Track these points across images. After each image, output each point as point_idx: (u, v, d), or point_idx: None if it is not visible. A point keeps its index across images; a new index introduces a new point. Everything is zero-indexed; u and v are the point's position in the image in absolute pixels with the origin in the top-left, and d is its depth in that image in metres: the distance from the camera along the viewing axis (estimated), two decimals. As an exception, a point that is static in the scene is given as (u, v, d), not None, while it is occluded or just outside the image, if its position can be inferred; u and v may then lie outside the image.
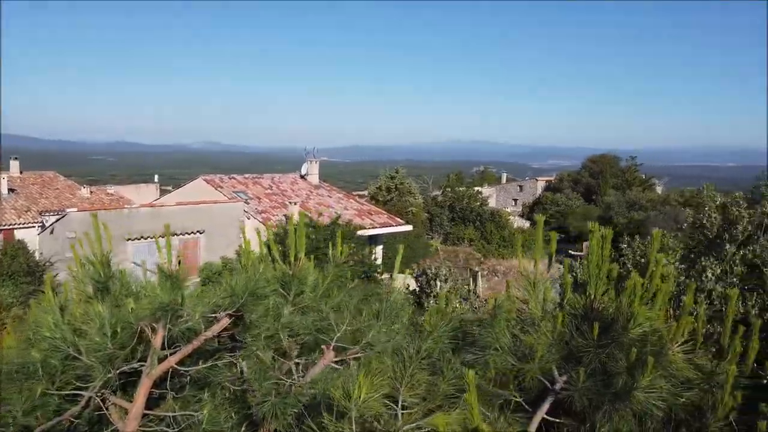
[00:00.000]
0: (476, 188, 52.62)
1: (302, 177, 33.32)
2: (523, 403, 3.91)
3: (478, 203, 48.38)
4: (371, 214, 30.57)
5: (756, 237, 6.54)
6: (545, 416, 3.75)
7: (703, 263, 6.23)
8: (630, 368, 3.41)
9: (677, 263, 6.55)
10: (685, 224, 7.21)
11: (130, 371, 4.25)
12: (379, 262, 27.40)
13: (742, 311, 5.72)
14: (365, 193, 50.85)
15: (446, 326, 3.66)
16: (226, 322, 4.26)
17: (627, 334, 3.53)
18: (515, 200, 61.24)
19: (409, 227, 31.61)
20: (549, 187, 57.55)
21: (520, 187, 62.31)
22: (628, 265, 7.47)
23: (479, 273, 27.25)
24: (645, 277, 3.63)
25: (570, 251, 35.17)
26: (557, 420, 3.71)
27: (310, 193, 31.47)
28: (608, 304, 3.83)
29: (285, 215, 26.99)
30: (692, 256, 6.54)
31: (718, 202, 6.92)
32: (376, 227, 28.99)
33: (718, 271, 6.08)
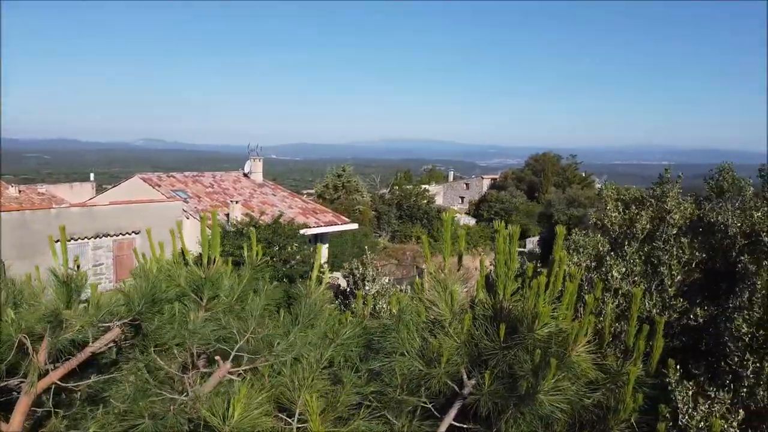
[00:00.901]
0: (424, 186, 52.96)
1: (245, 175, 32.57)
2: (432, 409, 3.78)
3: (426, 201, 48.70)
4: (316, 213, 30.19)
5: (658, 234, 6.68)
6: (453, 422, 3.64)
7: (609, 262, 6.32)
8: (534, 370, 3.33)
9: (589, 261, 6.66)
10: (590, 223, 7.31)
11: (15, 388, 3.88)
12: (325, 260, 27.08)
13: (647, 310, 5.82)
14: (312, 191, 50.33)
15: (351, 332, 3.50)
16: (116, 332, 3.95)
17: (532, 335, 3.45)
18: (462, 198, 62.02)
19: (355, 225, 31.39)
20: (494, 185, 58.56)
21: (467, 185, 63.14)
22: None
23: (425, 270, 27.27)
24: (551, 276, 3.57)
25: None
26: (464, 426, 3.59)
27: (254, 191, 30.80)
28: (517, 305, 3.75)
29: (226, 214, 26.30)
30: (600, 254, 6.64)
31: (619, 200, 7.06)
32: (321, 226, 28.64)
33: (623, 269, 6.18)
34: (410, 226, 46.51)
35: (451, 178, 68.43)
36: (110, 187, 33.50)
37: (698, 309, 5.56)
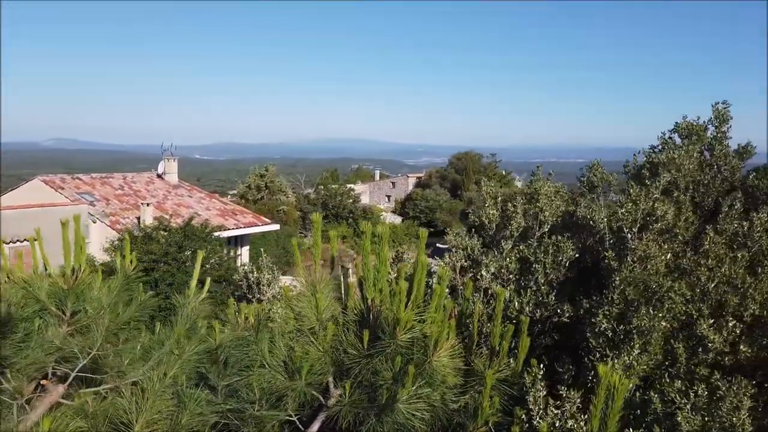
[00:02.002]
0: (349, 185, 52.81)
1: (159, 176, 31.14)
2: (298, 423, 3.59)
3: (351, 200, 48.59)
4: (235, 214, 29.31)
5: (532, 232, 6.83)
6: (317, 435, 3.46)
7: (485, 261, 6.40)
8: (395, 378, 3.21)
9: (464, 261, 6.73)
10: (467, 221, 7.38)
11: None
12: (245, 263, 26.29)
13: (517, 309, 5.92)
14: (235, 192, 48.97)
15: (197, 348, 3.24)
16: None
17: (395, 341, 3.32)
18: (388, 196, 62.39)
19: (277, 226, 30.73)
20: (419, 184, 59.30)
21: (393, 183, 63.59)
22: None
23: (350, 270, 27.09)
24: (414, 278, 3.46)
25: (438, 244, 36.29)
26: (327, 439, 3.43)
27: (168, 193, 29.49)
28: (384, 310, 3.62)
29: (137, 218, 25.01)
30: (475, 254, 6.73)
31: (499, 198, 7.18)
32: (241, 227, 27.83)
33: (492, 269, 6.28)
34: (336, 225, 46.22)
35: (377, 177, 68.69)
36: (9, 190, 31.08)
37: (566, 306, 5.69)
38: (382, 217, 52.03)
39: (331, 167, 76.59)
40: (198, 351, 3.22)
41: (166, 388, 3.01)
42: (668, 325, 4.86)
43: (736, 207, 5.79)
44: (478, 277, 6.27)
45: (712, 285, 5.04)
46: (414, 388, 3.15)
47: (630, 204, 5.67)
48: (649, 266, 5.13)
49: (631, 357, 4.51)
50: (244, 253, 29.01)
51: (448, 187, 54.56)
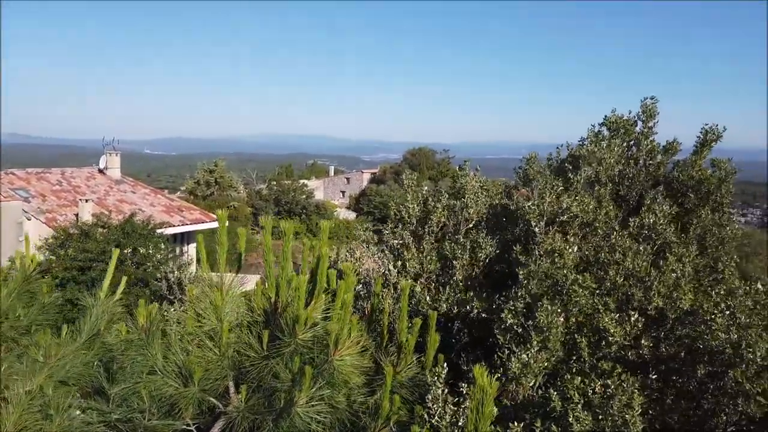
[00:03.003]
0: (303, 181, 52.23)
1: (101, 171, 29.95)
2: (196, 431, 3.37)
3: (305, 196, 48.05)
4: (182, 211, 28.47)
5: (454, 226, 6.79)
6: (213, 443, 3.26)
7: (407, 256, 6.33)
8: (294, 380, 3.04)
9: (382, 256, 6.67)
10: (391, 215, 7.30)
11: None
12: (192, 260, 25.54)
13: (429, 303, 5.86)
14: (183, 188, 47.69)
15: (87, 354, 2.99)
16: None
17: (295, 340, 3.15)
18: (343, 192, 62.06)
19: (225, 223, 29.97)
20: (374, 179, 59.20)
21: (348, 179, 63.28)
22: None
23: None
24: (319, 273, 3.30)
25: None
26: (223, 447, 3.23)
27: (110, 188, 28.38)
28: (288, 309, 3.44)
29: (75, 214, 23.96)
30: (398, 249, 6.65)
31: (423, 193, 7.12)
32: (187, 224, 27.04)
33: (399, 264, 6.22)
34: (290, 221, 45.63)
35: (332, 172, 68.26)
36: (-63, 186, 29.30)
37: (475, 302, 5.65)
38: (336, 212, 51.71)
39: (285, 163, 75.64)
40: (91, 356, 2.97)
41: (33, 399, 2.75)
42: (574, 320, 4.88)
43: (658, 201, 5.87)
44: (386, 272, 6.17)
45: (621, 279, 5.09)
46: (314, 390, 2.98)
47: (537, 198, 5.67)
48: (556, 260, 5.13)
49: (528, 354, 4.48)
50: (191, 251, 28.25)
51: (402, 183, 54.70)
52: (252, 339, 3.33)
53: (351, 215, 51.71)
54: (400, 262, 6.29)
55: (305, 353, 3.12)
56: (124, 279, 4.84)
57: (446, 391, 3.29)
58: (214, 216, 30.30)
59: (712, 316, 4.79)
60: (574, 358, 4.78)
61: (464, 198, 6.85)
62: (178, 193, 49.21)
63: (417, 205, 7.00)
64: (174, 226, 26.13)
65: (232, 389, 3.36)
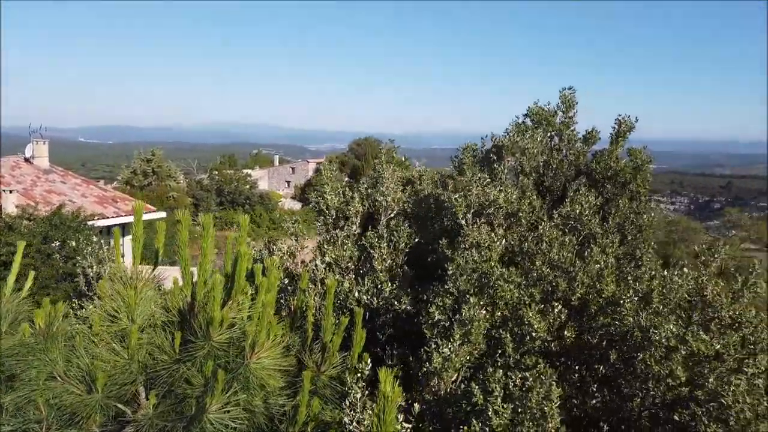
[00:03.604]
0: (246, 171, 51.13)
1: (27, 160, 28.26)
2: (103, 440, 3.14)
3: (248, 186, 47.09)
4: (116, 202, 27.25)
5: (377, 218, 6.75)
6: (121, 453, 3.05)
7: (326, 248, 6.24)
8: (207, 385, 2.87)
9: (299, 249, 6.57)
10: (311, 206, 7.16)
11: None
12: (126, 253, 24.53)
13: (356, 298, 5.80)
14: (120, 178, 45.79)
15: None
16: None
17: (209, 343, 2.97)
18: (288, 182, 61.18)
19: (163, 214, 28.91)
20: (319, 169, 58.67)
21: (293, 169, 62.42)
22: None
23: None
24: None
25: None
26: (130, 457, 3.02)
27: (37, 179, 26.82)
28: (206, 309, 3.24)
29: (-2, 206, 22.51)
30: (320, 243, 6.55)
31: (341, 185, 7.04)
32: (121, 216, 25.91)
33: (327, 258, 6.15)
34: (232, 212, 44.64)
35: (276, 162, 67.12)
36: None
37: (403, 297, 5.61)
38: (281, 203, 50.99)
39: (228, 152, 73.81)
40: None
41: None
42: (500, 313, 4.89)
43: (581, 191, 5.98)
44: (314, 267, 6.04)
45: (547, 269, 5.15)
46: (227, 395, 2.81)
47: (462, 190, 5.67)
48: (482, 253, 5.13)
49: (451, 348, 4.46)
50: (128, 244, 27.13)
51: (348, 173, 54.41)
52: (166, 341, 3.12)
53: (296, 205, 51.12)
54: (320, 255, 6.15)
55: (220, 356, 2.95)
56: (32, 274, 4.47)
57: (365, 393, 3.18)
58: (152, 207, 29.21)
59: (622, 301, 4.93)
60: (499, 352, 4.80)
61: (383, 186, 6.75)
62: (115, 183, 47.16)
63: (335, 196, 6.86)
64: (107, 217, 24.99)
65: (142, 395, 3.14)
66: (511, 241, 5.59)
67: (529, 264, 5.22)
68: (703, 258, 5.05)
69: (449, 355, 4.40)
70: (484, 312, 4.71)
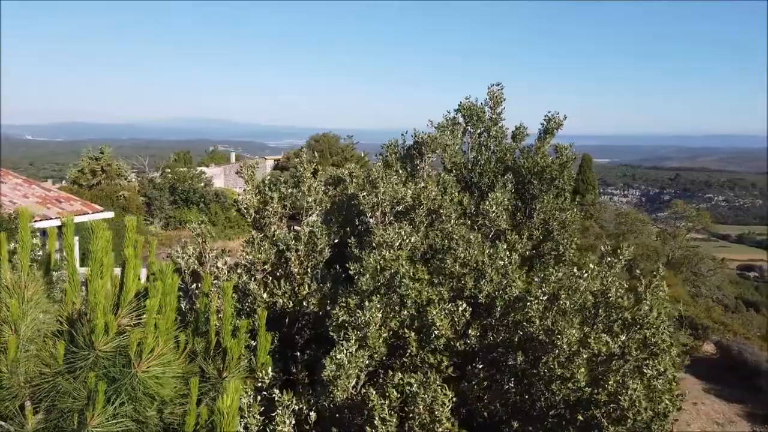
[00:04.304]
0: (200, 168, 50.06)
1: (-37, 160, 26.92)
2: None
3: (202, 184, 46.11)
4: (60, 202, 26.21)
5: (298, 217, 6.68)
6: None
7: (247, 249, 6.15)
8: (89, 398, 2.72)
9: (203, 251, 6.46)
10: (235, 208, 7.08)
11: None
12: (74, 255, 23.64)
13: (266, 300, 5.71)
14: (66, 177, 44.17)
15: None
16: None
17: (94, 351, 2.82)
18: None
19: (111, 214, 27.96)
20: (278, 166, 57.90)
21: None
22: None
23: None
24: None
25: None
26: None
27: (-27, 179, 25.59)
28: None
29: (-70, 209, 21.35)
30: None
31: (266, 181, 6.94)
32: (66, 216, 24.99)
33: (243, 260, 6.06)
34: (186, 211, 43.66)
35: (233, 159, 65.97)
36: None
37: (312, 299, 5.55)
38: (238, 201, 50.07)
39: (184, 149, 72.14)
40: None
41: None
42: (407, 313, 4.85)
43: (508, 187, 6.01)
44: (216, 269, 5.91)
45: (457, 267, 5.15)
46: (113, 406, 2.67)
47: (370, 187, 5.63)
48: (390, 252, 5.09)
49: (347, 353, 4.37)
50: (75, 245, 26.20)
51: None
52: (52, 352, 2.95)
53: (253, 203, 50.29)
54: (218, 258, 6.01)
55: (107, 366, 2.80)
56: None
57: (258, 399, 3.08)
58: (99, 207, 28.24)
59: (529, 303, 4.94)
60: (402, 353, 4.76)
61: (303, 185, 6.65)
62: (63, 182, 45.40)
63: (254, 196, 6.72)
64: (50, 218, 24.04)
65: (28, 410, 2.96)
66: (434, 238, 5.56)
67: (439, 262, 5.20)
68: (608, 259, 5.12)
69: (342, 361, 4.29)
70: (380, 315, 4.65)
